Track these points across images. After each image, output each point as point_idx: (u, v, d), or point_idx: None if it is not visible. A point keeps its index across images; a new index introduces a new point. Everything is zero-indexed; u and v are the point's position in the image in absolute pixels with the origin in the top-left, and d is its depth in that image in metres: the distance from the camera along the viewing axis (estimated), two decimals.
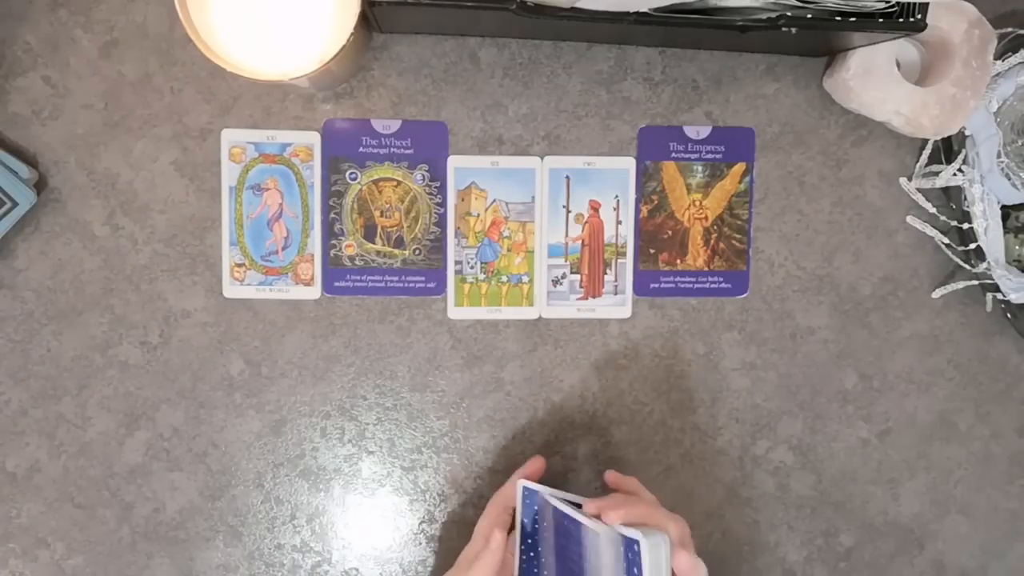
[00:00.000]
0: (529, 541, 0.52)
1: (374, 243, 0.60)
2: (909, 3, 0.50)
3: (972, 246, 0.61)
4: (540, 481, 0.55)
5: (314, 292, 0.60)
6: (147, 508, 0.60)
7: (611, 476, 0.56)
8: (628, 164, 0.61)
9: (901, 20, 0.50)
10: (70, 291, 0.59)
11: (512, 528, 0.54)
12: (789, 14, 0.49)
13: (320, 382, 0.61)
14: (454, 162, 0.60)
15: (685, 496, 0.63)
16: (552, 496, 0.50)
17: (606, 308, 0.62)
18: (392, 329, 0.61)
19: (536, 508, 0.52)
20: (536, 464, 0.57)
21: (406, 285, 0.61)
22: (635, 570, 0.44)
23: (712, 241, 0.62)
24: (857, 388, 0.64)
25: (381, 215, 0.60)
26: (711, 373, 0.63)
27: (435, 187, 0.60)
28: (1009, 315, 0.62)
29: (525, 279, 0.61)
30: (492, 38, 0.60)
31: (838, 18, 0.50)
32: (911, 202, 0.63)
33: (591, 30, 0.57)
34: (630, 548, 0.45)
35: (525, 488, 0.52)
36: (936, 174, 0.61)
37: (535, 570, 0.52)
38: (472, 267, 0.61)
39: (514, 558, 0.52)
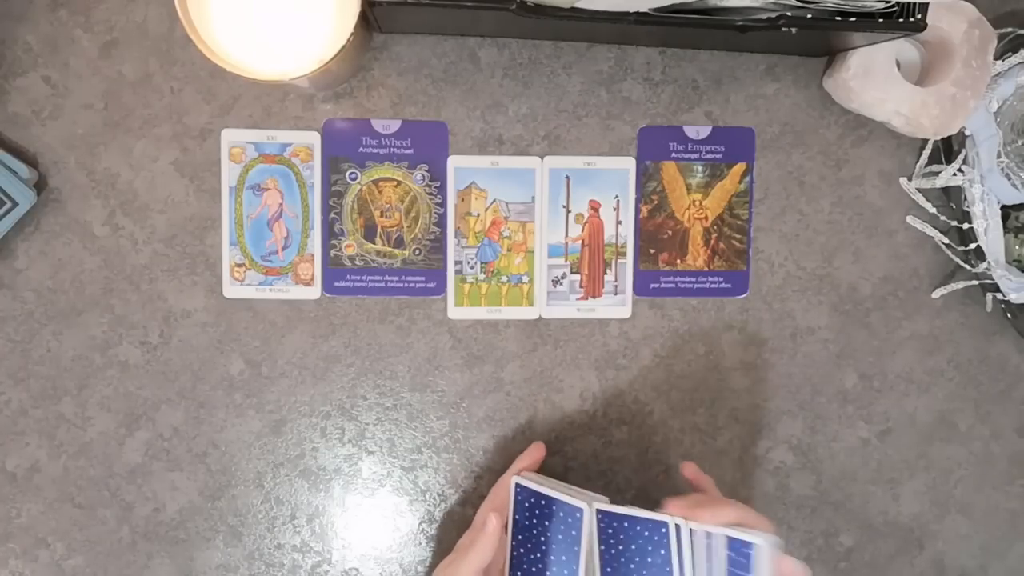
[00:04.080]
0: (520, 537, 0.52)
1: (374, 243, 0.60)
2: (909, 3, 0.50)
3: (972, 246, 0.61)
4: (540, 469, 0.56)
5: (314, 292, 0.60)
6: (147, 508, 0.60)
7: (690, 470, 0.55)
8: (628, 164, 0.61)
9: (901, 20, 0.50)
10: (70, 291, 0.59)
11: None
12: (789, 14, 0.49)
13: (320, 382, 0.61)
14: (454, 162, 0.60)
15: None
16: (608, 505, 0.50)
17: (606, 308, 0.62)
18: (392, 329, 0.61)
19: (529, 504, 0.52)
20: (537, 452, 0.57)
21: (406, 285, 0.61)
22: (746, 574, 0.45)
23: (712, 241, 0.62)
24: (857, 388, 0.64)
25: (381, 215, 0.60)
26: (711, 373, 0.63)
27: (435, 187, 0.60)
28: (1009, 315, 0.62)
29: (525, 279, 0.61)
30: (492, 38, 0.60)
31: (838, 18, 0.50)
32: (911, 202, 0.63)
33: (591, 30, 0.57)
34: (740, 551, 0.46)
35: (518, 484, 0.53)
36: (936, 174, 0.61)
37: (524, 565, 0.52)
38: (472, 267, 0.61)
39: (505, 552, 0.53)
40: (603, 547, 0.50)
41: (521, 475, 0.54)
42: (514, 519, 0.53)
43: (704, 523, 0.47)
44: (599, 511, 0.50)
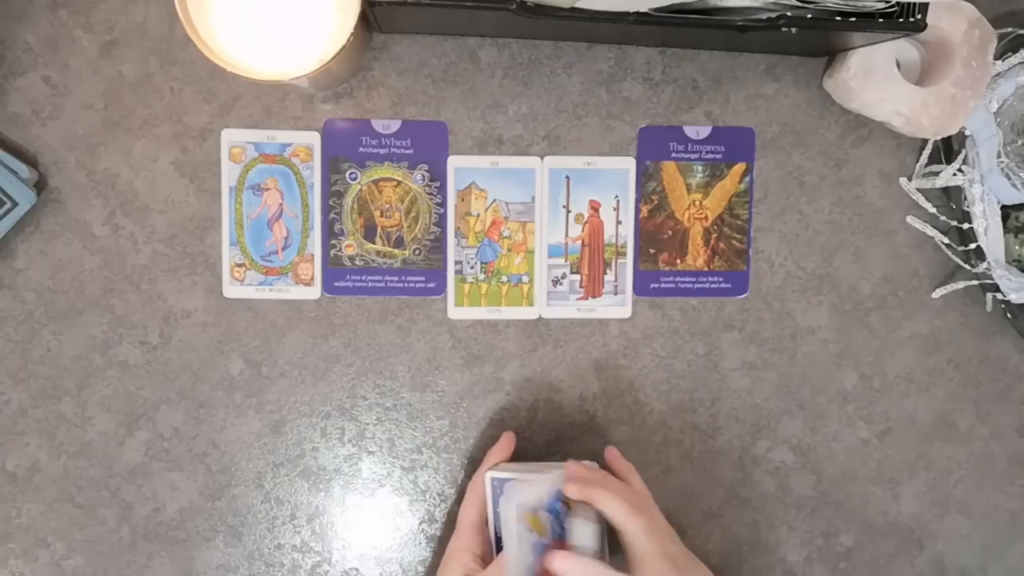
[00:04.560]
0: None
1: (374, 243, 0.60)
2: (909, 3, 0.50)
3: (972, 246, 0.61)
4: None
5: (314, 292, 0.60)
6: (147, 508, 0.60)
7: (610, 453, 0.57)
8: (628, 164, 0.61)
9: (901, 20, 0.50)
10: (70, 291, 0.59)
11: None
12: (789, 14, 0.49)
13: (320, 382, 0.61)
14: (454, 162, 0.60)
15: (685, 496, 0.63)
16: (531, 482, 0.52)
17: (606, 308, 0.62)
18: (392, 329, 0.61)
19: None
20: (508, 442, 0.57)
21: (406, 285, 0.61)
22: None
23: (712, 241, 0.62)
24: (857, 388, 0.64)
25: (381, 215, 0.60)
26: (711, 373, 0.63)
27: (435, 187, 0.60)
28: (1009, 315, 0.62)
29: (525, 279, 0.61)
30: (492, 38, 0.60)
31: (838, 18, 0.50)
32: (911, 202, 0.63)
33: (591, 30, 0.57)
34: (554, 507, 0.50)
35: (494, 479, 0.53)
36: (936, 174, 0.61)
37: None
38: (472, 267, 0.61)
39: (492, 546, 0.53)
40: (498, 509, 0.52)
41: (495, 469, 0.54)
42: (495, 512, 0.53)
43: (566, 492, 0.50)
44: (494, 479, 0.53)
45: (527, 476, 0.52)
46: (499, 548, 0.53)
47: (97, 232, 0.59)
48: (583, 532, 0.48)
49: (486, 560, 0.54)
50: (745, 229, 0.62)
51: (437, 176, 0.60)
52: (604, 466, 0.56)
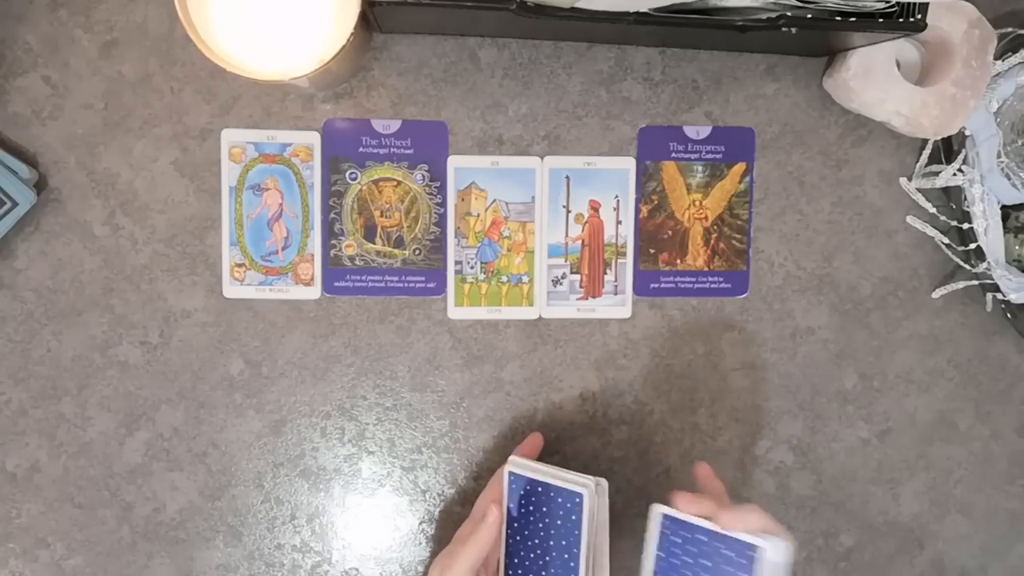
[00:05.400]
0: (516, 525, 0.53)
1: (374, 243, 0.60)
2: (909, 3, 0.50)
3: (972, 246, 0.61)
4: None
5: (314, 292, 0.60)
6: (147, 508, 0.60)
7: (704, 471, 0.54)
8: (628, 164, 0.61)
9: (901, 20, 0.50)
10: (70, 291, 0.59)
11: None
12: (789, 14, 0.49)
13: (320, 382, 0.61)
14: (454, 162, 0.60)
15: None
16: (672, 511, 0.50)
17: (606, 308, 0.62)
18: (392, 329, 0.61)
19: (524, 492, 0.52)
20: (535, 441, 0.57)
21: (406, 285, 0.61)
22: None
23: (712, 241, 0.62)
24: (857, 388, 0.64)
25: (381, 215, 0.60)
26: (711, 373, 0.63)
27: (435, 187, 0.60)
28: (1009, 315, 0.62)
29: (525, 279, 0.61)
30: (492, 38, 0.60)
31: (838, 18, 0.50)
32: (911, 202, 0.63)
33: (591, 30, 0.57)
34: (744, 553, 0.46)
35: (511, 474, 0.53)
36: (936, 174, 0.61)
37: (522, 553, 0.52)
38: (472, 267, 0.61)
39: (501, 541, 0.53)
40: (663, 553, 0.50)
41: (514, 463, 0.54)
42: (508, 507, 0.53)
43: (731, 530, 0.46)
44: (666, 516, 0.49)
45: (550, 478, 0.51)
46: (509, 538, 0.53)
47: (97, 232, 0.59)
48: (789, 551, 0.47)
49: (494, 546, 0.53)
50: (745, 229, 0.62)
51: (437, 176, 0.60)
52: (691, 484, 0.54)
